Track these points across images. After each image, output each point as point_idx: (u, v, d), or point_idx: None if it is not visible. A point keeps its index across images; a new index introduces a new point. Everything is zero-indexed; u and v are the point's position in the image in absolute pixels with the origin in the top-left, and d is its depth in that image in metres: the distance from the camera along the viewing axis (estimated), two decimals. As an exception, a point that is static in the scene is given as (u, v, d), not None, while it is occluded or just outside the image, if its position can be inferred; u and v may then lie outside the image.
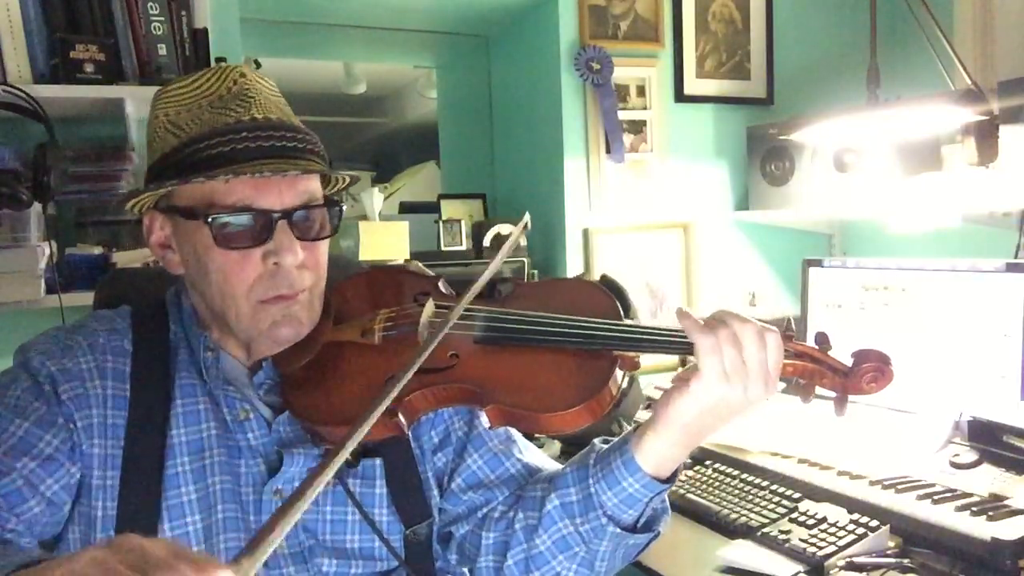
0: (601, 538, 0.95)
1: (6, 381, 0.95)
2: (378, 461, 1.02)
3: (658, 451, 0.93)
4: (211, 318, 1.00)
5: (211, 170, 0.89)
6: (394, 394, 0.75)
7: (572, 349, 0.94)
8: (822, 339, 0.95)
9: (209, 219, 0.90)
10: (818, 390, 0.95)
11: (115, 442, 0.94)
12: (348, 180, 1.04)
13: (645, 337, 0.94)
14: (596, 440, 1.02)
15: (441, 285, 1.08)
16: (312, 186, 0.96)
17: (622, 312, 0.99)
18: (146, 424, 0.95)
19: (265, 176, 0.89)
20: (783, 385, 0.97)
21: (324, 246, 0.99)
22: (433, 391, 0.93)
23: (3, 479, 0.87)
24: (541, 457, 1.12)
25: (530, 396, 0.91)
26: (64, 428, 0.92)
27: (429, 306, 0.99)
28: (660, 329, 0.94)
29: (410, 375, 0.79)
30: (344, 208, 1.01)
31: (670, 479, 0.95)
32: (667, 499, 0.99)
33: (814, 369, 0.93)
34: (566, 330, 0.94)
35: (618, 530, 0.95)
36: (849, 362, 0.94)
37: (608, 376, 0.91)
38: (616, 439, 0.99)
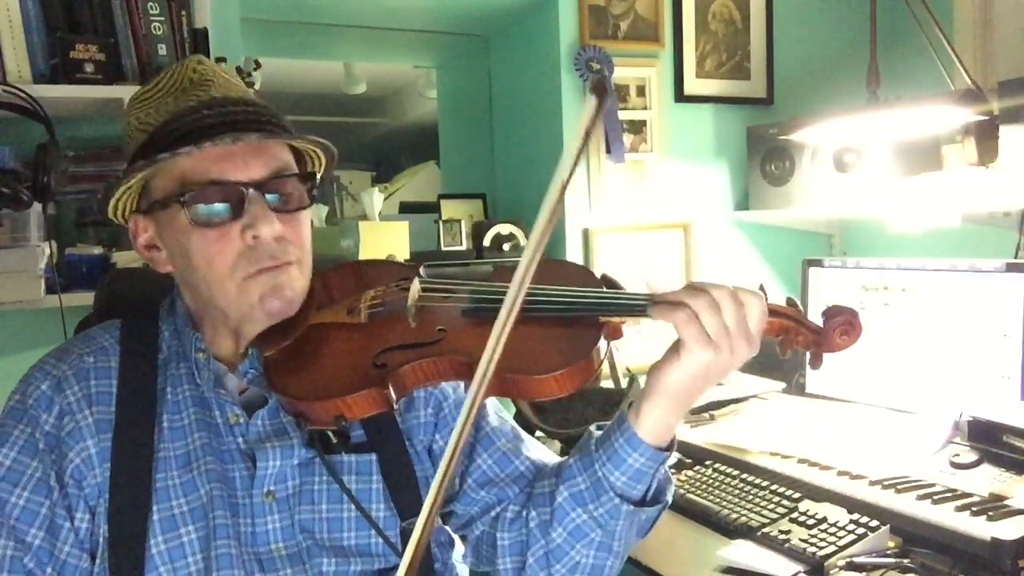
0: (616, 518, 0.97)
1: (1, 434, 0.95)
2: (373, 457, 1.02)
3: (655, 421, 0.95)
4: (202, 309, 1.01)
5: (175, 148, 0.90)
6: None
7: (557, 317, 0.96)
8: (792, 302, 0.99)
9: (182, 199, 0.91)
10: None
11: (103, 468, 0.94)
12: (324, 160, 1.04)
13: (630, 301, 0.96)
14: (591, 427, 1.04)
15: (422, 271, 1.09)
16: (281, 155, 0.97)
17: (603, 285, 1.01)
18: (131, 443, 0.95)
19: (225, 143, 0.89)
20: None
21: (303, 219, 0.99)
22: (423, 364, 0.94)
23: (25, 556, 0.90)
24: (549, 455, 1.13)
25: (520, 362, 0.92)
26: (57, 488, 0.93)
27: (415, 284, 1.01)
28: (645, 294, 0.96)
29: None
30: (319, 180, 1.01)
31: (670, 447, 0.98)
32: (668, 468, 1.01)
33: (789, 326, 0.97)
34: (550, 298, 0.96)
35: (631, 507, 0.96)
36: (820, 321, 0.98)
37: (594, 341, 0.94)
38: (610, 422, 1.00)
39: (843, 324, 0.96)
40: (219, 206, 0.92)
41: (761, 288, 0.95)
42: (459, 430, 0.72)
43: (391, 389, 0.93)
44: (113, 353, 1.01)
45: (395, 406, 0.95)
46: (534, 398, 1.15)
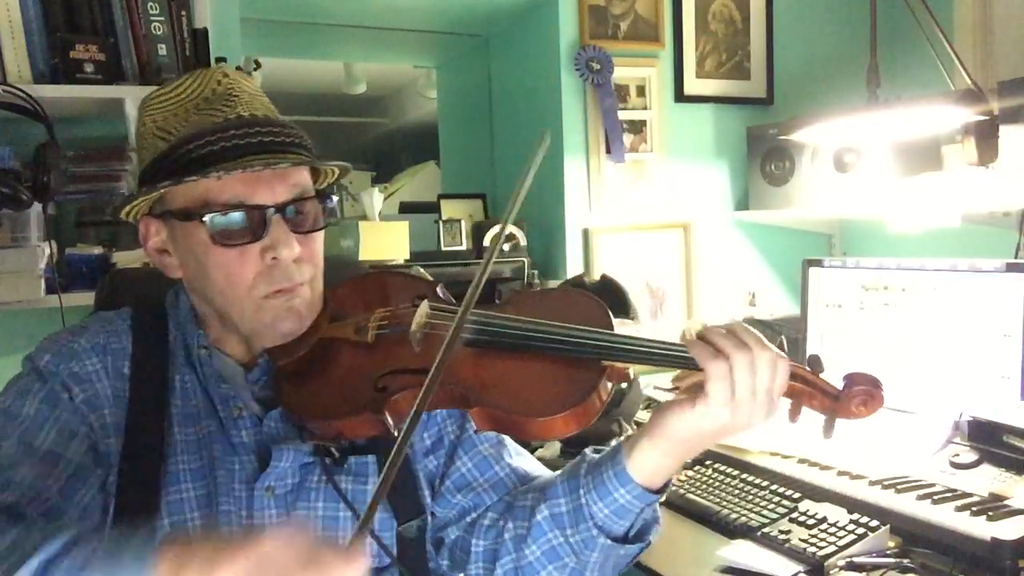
0: (591, 549, 0.95)
1: (20, 391, 0.96)
2: (370, 459, 1.02)
3: (651, 462, 0.92)
4: (211, 315, 1.02)
5: (203, 169, 0.90)
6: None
7: (561, 356, 0.93)
8: (815, 362, 0.94)
9: (205, 218, 0.91)
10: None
11: (117, 439, 0.96)
12: (337, 172, 1.06)
13: (636, 349, 0.93)
14: (587, 450, 1.02)
15: (439, 290, 1.08)
16: (303, 179, 0.98)
17: (614, 322, 0.98)
18: (144, 423, 0.96)
19: (256, 171, 0.90)
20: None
21: (319, 239, 1.00)
22: (419, 392, 0.93)
23: (42, 495, 0.87)
24: (533, 464, 1.12)
25: (516, 401, 0.91)
26: (86, 436, 0.94)
27: (423, 307, 1.00)
28: (654, 342, 0.92)
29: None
30: (336, 200, 1.02)
31: (661, 489, 0.94)
32: (658, 508, 0.98)
33: (804, 390, 0.92)
34: (555, 337, 0.94)
35: (608, 541, 0.94)
36: (840, 385, 0.92)
37: (595, 386, 0.90)
38: (607, 449, 0.98)
39: (863, 394, 0.90)
40: (242, 227, 0.93)
41: (781, 346, 0.90)
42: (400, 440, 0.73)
43: (387, 415, 0.92)
44: (127, 338, 1.02)
45: (392, 432, 0.93)
46: (530, 438, 1.13)
